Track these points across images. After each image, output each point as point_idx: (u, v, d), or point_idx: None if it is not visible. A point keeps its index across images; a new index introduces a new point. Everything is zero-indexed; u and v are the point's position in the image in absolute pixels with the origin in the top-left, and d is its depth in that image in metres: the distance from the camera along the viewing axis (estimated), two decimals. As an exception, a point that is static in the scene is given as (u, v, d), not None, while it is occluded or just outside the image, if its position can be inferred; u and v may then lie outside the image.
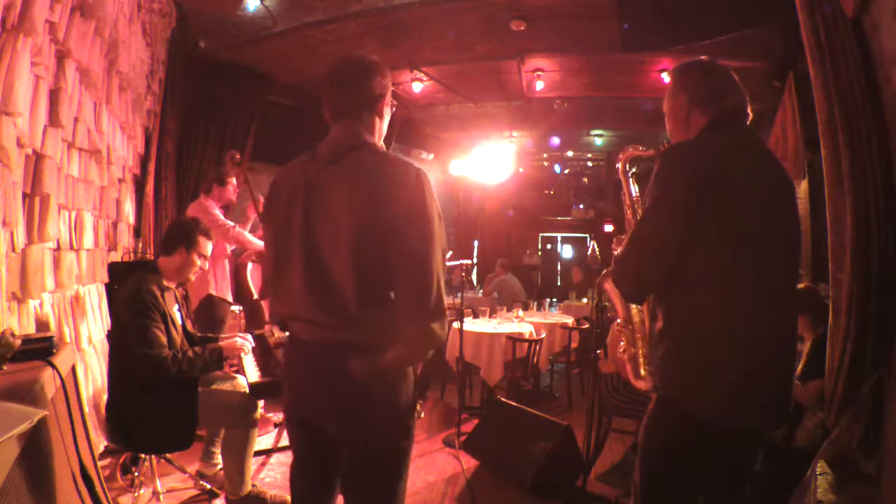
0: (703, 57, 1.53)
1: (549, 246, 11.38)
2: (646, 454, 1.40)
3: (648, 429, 1.40)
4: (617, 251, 1.47)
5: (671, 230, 1.28)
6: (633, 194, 1.68)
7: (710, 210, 1.25)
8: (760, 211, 1.29)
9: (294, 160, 1.41)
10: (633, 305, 1.71)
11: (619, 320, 1.77)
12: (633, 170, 1.70)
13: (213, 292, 3.33)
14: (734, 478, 1.41)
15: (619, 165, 1.70)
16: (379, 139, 1.40)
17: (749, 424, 1.32)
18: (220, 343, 2.38)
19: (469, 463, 3.19)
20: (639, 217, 1.51)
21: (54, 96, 2.07)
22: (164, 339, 2.13)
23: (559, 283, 10.68)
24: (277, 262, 1.35)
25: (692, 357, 1.30)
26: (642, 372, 1.70)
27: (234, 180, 3.48)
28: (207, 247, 2.40)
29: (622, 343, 1.75)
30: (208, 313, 3.31)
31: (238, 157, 3.42)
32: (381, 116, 1.40)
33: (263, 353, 2.64)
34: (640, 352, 1.71)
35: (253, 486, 2.48)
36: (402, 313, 1.25)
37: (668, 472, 1.36)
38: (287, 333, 1.52)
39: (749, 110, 1.41)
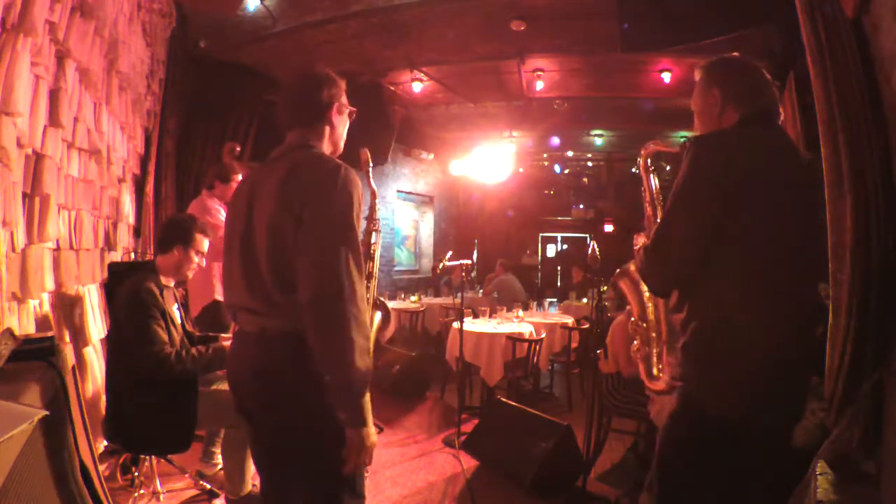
0: (735, 53, 1.50)
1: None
2: (663, 450, 1.40)
3: (667, 428, 1.39)
4: (639, 246, 1.44)
5: (697, 225, 1.28)
6: (654, 189, 1.63)
7: (736, 206, 1.24)
8: (787, 210, 1.29)
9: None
10: (649, 303, 1.69)
11: (633, 318, 1.74)
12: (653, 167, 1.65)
13: (220, 297, 3.13)
14: (748, 475, 1.40)
15: (640, 160, 1.65)
16: (331, 146, 1.48)
17: (763, 420, 1.31)
18: (224, 343, 2.36)
19: (469, 463, 3.19)
20: (663, 211, 1.49)
21: (54, 96, 2.07)
22: (165, 337, 2.13)
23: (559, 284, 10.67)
24: (227, 255, 1.43)
25: (713, 350, 1.29)
26: (655, 371, 1.67)
27: (238, 176, 3.26)
28: (204, 244, 2.39)
29: (636, 342, 1.72)
30: (214, 318, 3.12)
31: (237, 149, 3.32)
32: (331, 125, 1.46)
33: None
34: (654, 350, 1.68)
35: (253, 486, 2.47)
36: (303, 300, 1.25)
37: (684, 469, 1.36)
38: None
39: (780, 110, 1.40)
